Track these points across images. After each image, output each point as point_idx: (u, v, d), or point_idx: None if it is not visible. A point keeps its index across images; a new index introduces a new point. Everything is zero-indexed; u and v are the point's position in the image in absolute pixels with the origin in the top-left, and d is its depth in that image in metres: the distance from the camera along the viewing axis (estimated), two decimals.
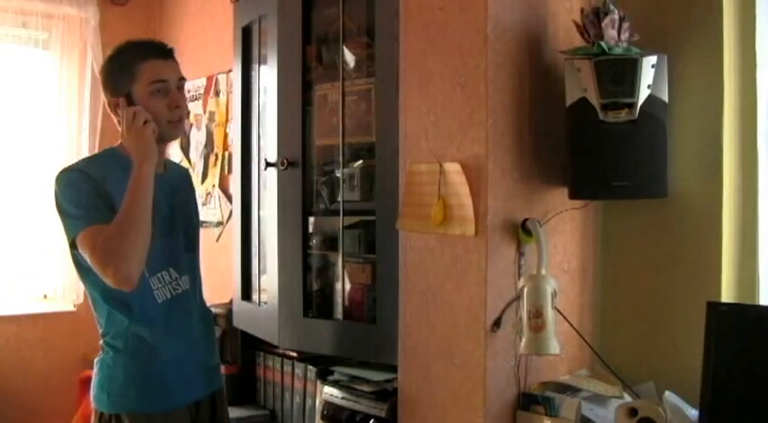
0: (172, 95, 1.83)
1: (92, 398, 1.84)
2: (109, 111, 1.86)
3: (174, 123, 1.84)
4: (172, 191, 1.91)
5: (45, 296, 3.95)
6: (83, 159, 1.91)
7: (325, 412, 2.23)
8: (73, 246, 1.73)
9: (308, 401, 2.40)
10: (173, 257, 1.87)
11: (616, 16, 1.77)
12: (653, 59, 1.73)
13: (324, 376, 2.31)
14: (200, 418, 1.91)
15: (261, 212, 2.73)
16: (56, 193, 1.77)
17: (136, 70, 1.79)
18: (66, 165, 1.86)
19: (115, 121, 1.84)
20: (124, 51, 1.85)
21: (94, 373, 1.85)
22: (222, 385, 2.03)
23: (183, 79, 1.88)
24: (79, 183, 1.75)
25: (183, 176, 2.09)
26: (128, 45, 1.86)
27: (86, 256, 1.70)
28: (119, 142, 1.87)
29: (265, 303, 2.61)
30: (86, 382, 3.67)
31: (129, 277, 1.66)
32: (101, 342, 1.85)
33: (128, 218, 1.68)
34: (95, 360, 1.86)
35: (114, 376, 1.81)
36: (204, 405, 1.93)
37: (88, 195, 1.73)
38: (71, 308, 3.88)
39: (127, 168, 1.76)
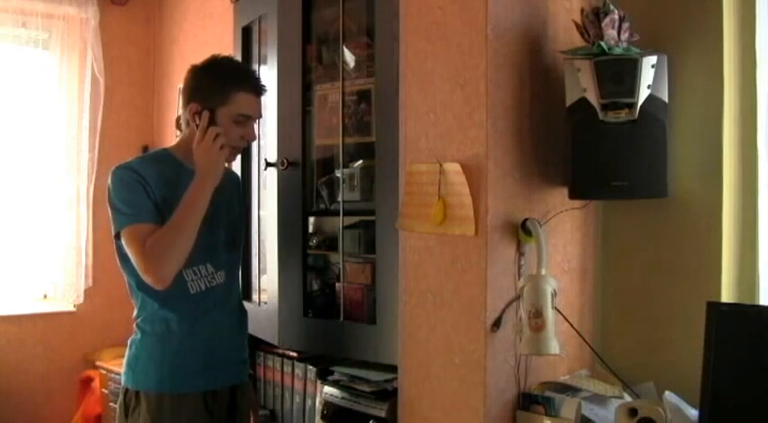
0: (248, 130, 1.98)
1: (122, 373, 2.00)
2: (183, 111, 1.98)
3: (237, 150, 2.00)
4: (217, 191, 2.00)
5: (45, 296, 3.95)
6: (138, 157, 2.03)
7: (325, 412, 2.23)
8: (117, 237, 1.90)
9: (308, 401, 2.40)
10: (211, 253, 1.99)
11: (616, 16, 1.77)
12: (653, 59, 1.73)
13: (324, 376, 2.31)
14: (216, 407, 1.99)
15: (261, 212, 2.73)
16: (109, 187, 1.92)
17: (229, 96, 1.92)
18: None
19: (183, 120, 1.98)
20: (224, 71, 1.98)
21: (126, 351, 2.01)
22: (245, 381, 2.12)
23: (261, 116, 2.03)
24: (130, 182, 1.88)
25: (230, 180, 2.17)
26: (229, 66, 2.02)
27: (129, 251, 1.86)
28: (174, 143, 2.02)
29: (265, 303, 2.61)
30: (86, 382, 3.72)
31: (165, 279, 1.83)
32: (134, 324, 2.00)
33: (179, 227, 1.83)
34: (129, 339, 2.01)
35: (139, 355, 1.96)
36: (222, 395, 2.01)
37: (137, 195, 1.87)
38: (71, 308, 3.88)
39: (179, 172, 1.93)
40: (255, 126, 2.03)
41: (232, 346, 2.07)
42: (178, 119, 1.99)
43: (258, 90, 1.99)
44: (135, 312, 1.99)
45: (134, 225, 1.85)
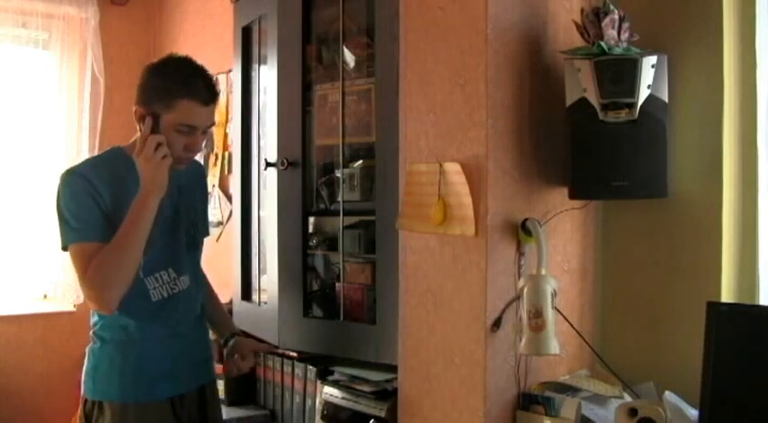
0: (193, 139, 1.84)
1: (82, 384, 1.90)
2: (133, 114, 1.85)
3: (182, 159, 1.86)
4: (178, 191, 1.93)
5: (45, 296, 3.95)
6: (89, 160, 1.93)
7: (325, 412, 2.23)
8: (65, 250, 1.82)
9: (308, 401, 2.40)
10: (173, 258, 1.91)
11: (616, 16, 1.77)
12: (653, 59, 1.73)
13: (324, 376, 2.31)
14: (185, 412, 1.93)
15: (261, 212, 2.73)
16: (58, 194, 1.81)
17: (173, 103, 1.78)
18: (67, 165, 1.87)
19: (137, 126, 1.85)
20: (171, 74, 1.81)
21: (85, 361, 1.91)
22: (212, 379, 2.06)
23: (212, 124, 1.89)
24: (81, 193, 1.77)
25: (193, 174, 2.06)
26: (179, 68, 1.83)
27: (75, 270, 1.77)
28: (128, 143, 1.90)
29: (265, 303, 2.61)
30: None
31: (110, 305, 1.75)
32: (91, 332, 1.91)
33: (122, 247, 1.73)
34: (86, 348, 1.92)
35: (99, 365, 1.88)
36: (190, 398, 1.96)
37: (87, 209, 1.77)
38: (71, 308, 3.88)
39: (132, 169, 1.80)
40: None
41: (196, 347, 2.00)
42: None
43: (206, 98, 1.80)
44: (92, 320, 1.90)
45: (80, 243, 1.76)
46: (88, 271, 1.73)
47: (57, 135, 3.85)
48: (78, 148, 3.87)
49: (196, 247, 2.03)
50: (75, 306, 3.88)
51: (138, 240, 1.74)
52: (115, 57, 4.02)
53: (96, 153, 3.84)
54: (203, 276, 2.10)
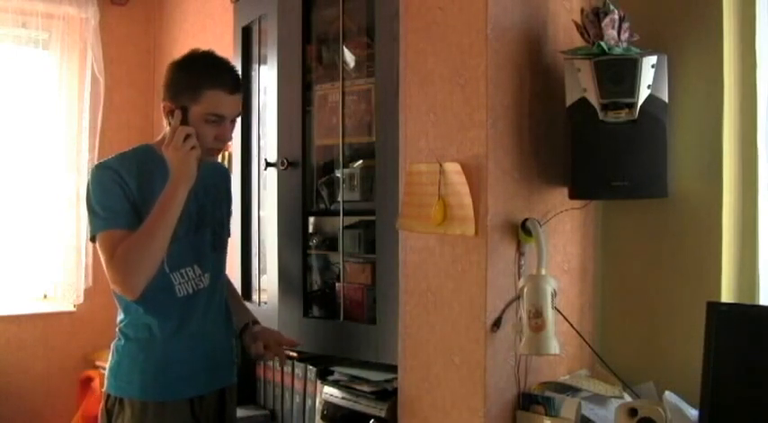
0: (222, 129, 1.87)
1: (105, 379, 1.94)
2: (162, 110, 1.88)
3: (213, 150, 1.91)
4: (204, 190, 1.95)
5: (45, 296, 3.95)
6: (119, 154, 1.95)
7: (325, 412, 2.23)
8: (93, 240, 1.85)
9: (308, 401, 2.40)
10: (198, 254, 1.93)
11: (616, 16, 1.77)
12: (653, 59, 1.73)
13: (324, 376, 2.31)
14: (203, 412, 1.94)
15: (261, 212, 2.73)
16: (88, 187, 1.86)
17: (200, 94, 1.82)
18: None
19: (164, 121, 1.89)
20: (196, 67, 1.87)
21: (109, 357, 1.95)
22: (233, 382, 2.07)
23: (239, 114, 1.93)
24: (110, 184, 1.82)
25: (218, 176, 2.10)
26: (202, 61, 1.89)
27: (101, 258, 1.81)
28: (156, 140, 1.94)
29: (265, 303, 2.61)
30: (86, 382, 3.72)
31: (134, 290, 1.77)
32: (117, 329, 1.93)
33: (150, 234, 1.77)
34: (112, 344, 1.95)
35: (122, 362, 1.90)
36: (209, 399, 1.96)
37: (115, 198, 1.81)
38: (71, 308, 3.88)
39: (161, 165, 1.84)
40: (237, 124, 1.93)
41: (219, 349, 2.00)
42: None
43: (232, 88, 1.85)
44: (119, 317, 1.93)
45: (108, 230, 1.79)
46: (114, 256, 1.76)
47: (57, 135, 3.84)
48: (78, 148, 3.86)
49: (222, 248, 2.04)
50: (75, 306, 3.87)
51: (165, 229, 1.77)
52: (115, 57, 4.02)
53: (96, 153, 3.87)
54: (225, 278, 2.10)
